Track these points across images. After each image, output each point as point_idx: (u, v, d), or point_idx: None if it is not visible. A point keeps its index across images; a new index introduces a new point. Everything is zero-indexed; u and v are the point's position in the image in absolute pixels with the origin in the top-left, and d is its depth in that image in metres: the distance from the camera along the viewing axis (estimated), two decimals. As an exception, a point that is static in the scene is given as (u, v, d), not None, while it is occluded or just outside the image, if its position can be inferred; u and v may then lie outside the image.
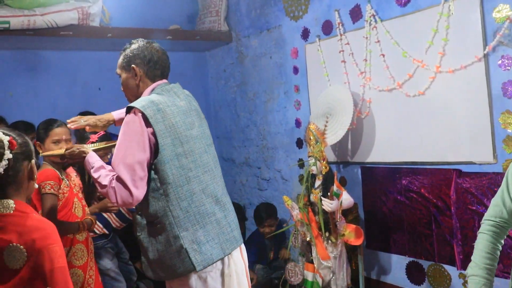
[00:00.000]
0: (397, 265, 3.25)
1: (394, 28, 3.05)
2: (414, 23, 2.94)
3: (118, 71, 2.10)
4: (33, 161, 1.54)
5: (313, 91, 3.72)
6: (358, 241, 2.99)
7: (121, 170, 1.83)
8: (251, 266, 3.82)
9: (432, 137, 2.93)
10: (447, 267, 2.93)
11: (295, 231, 3.21)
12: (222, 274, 1.95)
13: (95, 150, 2.13)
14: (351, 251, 3.17)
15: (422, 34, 2.89)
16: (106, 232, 3.29)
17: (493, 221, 1.58)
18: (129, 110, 1.90)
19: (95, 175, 1.91)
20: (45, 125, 2.67)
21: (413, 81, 2.98)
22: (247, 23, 4.40)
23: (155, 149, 1.86)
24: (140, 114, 1.85)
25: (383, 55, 3.12)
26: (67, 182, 2.61)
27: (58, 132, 2.59)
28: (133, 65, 2.04)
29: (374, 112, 3.26)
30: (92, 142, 3.11)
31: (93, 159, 1.99)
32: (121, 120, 2.18)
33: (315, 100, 3.64)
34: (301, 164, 3.85)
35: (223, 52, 4.77)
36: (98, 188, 1.90)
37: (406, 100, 3.03)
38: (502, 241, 1.59)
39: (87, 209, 2.72)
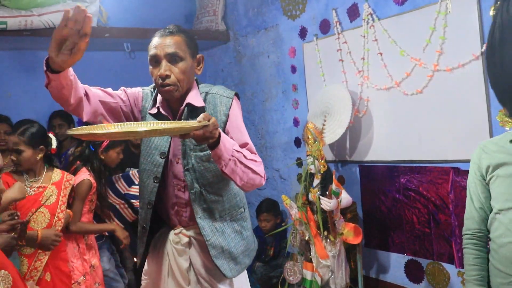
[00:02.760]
0: (395, 263, 3.26)
1: (392, 27, 3.05)
2: (412, 21, 2.94)
3: (182, 53, 1.78)
4: None
5: (311, 90, 3.72)
6: (356, 240, 2.99)
7: (253, 147, 1.84)
8: (251, 263, 3.82)
9: (430, 135, 2.94)
10: (445, 265, 2.93)
11: (293, 230, 3.21)
12: None
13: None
14: (350, 250, 3.18)
15: (420, 32, 2.89)
16: (121, 226, 3.31)
17: (468, 234, 1.71)
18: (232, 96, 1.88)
19: (247, 154, 1.71)
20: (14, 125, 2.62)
21: (411, 79, 2.98)
22: (244, 22, 4.40)
23: None
24: (239, 101, 1.92)
25: (381, 54, 3.12)
26: (29, 189, 2.51)
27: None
28: (201, 55, 1.89)
29: (372, 111, 3.26)
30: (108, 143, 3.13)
31: (228, 137, 1.70)
32: None
33: (313, 99, 3.64)
34: (300, 163, 3.85)
35: (221, 52, 4.77)
36: (252, 165, 1.71)
37: (404, 99, 3.04)
38: (486, 248, 1.68)
39: (59, 224, 2.57)
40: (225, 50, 4.70)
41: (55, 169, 2.73)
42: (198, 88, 1.90)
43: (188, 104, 1.82)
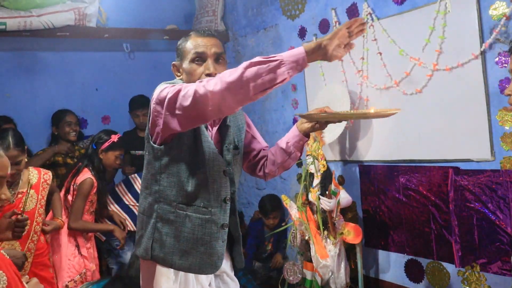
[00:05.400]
0: (395, 263, 3.26)
1: (391, 27, 3.05)
2: (411, 21, 2.94)
3: (224, 55, 1.90)
4: None
5: (311, 90, 3.72)
6: (356, 240, 2.99)
7: None
8: (250, 259, 3.83)
9: (429, 134, 2.93)
10: (445, 264, 2.93)
11: (293, 230, 3.21)
12: None
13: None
14: (350, 250, 3.18)
15: (419, 32, 2.89)
16: (135, 229, 3.34)
17: None
18: None
19: None
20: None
21: (410, 79, 2.98)
22: (244, 22, 4.40)
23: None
24: None
25: (380, 53, 3.12)
26: (13, 197, 2.37)
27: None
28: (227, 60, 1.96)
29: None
30: (113, 142, 3.16)
31: None
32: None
33: (312, 99, 3.64)
34: (299, 163, 3.84)
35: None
36: None
37: (404, 98, 3.03)
38: None
39: (38, 228, 2.48)
40: (224, 50, 4.69)
41: (30, 168, 2.59)
42: None
43: None
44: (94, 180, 3.03)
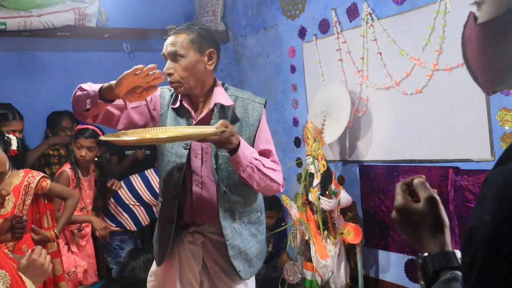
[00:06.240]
0: (396, 263, 3.25)
1: (391, 26, 3.05)
2: (411, 21, 2.94)
3: (183, 51, 1.83)
4: None
5: (311, 90, 3.72)
6: (356, 240, 3.00)
7: (275, 155, 1.93)
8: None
9: (429, 134, 2.93)
10: (445, 264, 2.93)
11: (293, 230, 3.21)
12: None
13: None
14: (350, 250, 3.18)
15: (419, 32, 2.89)
16: (135, 229, 3.37)
17: None
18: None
19: (265, 163, 1.81)
20: None
21: (410, 79, 2.98)
22: (244, 22, 4.40)
23: None
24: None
25: (380, 53, 3.12)
26: None
27: None
28: (211, 49, 1.91)
29: (371, 110, 3.26)
30: (76, 132, 3.14)
31: (249, 146, 1.80)
32: None
33: (312, 99, 3.64)
34: (299, 163, 3.85)
35: (220, 52, 4.75)
36: (269, 173, 1.80)
37: (404, 98, 3.03)
38: None
39: (8, 244, 2.23)
40: (224, 50, 4.70)
41: (20, 171, 2.43)
42: (224, 89, 1.96)
43: (217, 103, 1.88)
44: (70, 173, 3.02)
